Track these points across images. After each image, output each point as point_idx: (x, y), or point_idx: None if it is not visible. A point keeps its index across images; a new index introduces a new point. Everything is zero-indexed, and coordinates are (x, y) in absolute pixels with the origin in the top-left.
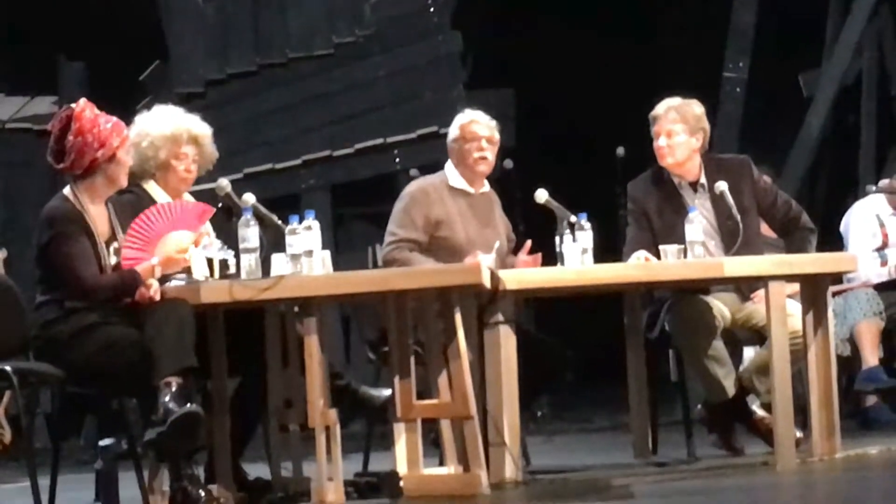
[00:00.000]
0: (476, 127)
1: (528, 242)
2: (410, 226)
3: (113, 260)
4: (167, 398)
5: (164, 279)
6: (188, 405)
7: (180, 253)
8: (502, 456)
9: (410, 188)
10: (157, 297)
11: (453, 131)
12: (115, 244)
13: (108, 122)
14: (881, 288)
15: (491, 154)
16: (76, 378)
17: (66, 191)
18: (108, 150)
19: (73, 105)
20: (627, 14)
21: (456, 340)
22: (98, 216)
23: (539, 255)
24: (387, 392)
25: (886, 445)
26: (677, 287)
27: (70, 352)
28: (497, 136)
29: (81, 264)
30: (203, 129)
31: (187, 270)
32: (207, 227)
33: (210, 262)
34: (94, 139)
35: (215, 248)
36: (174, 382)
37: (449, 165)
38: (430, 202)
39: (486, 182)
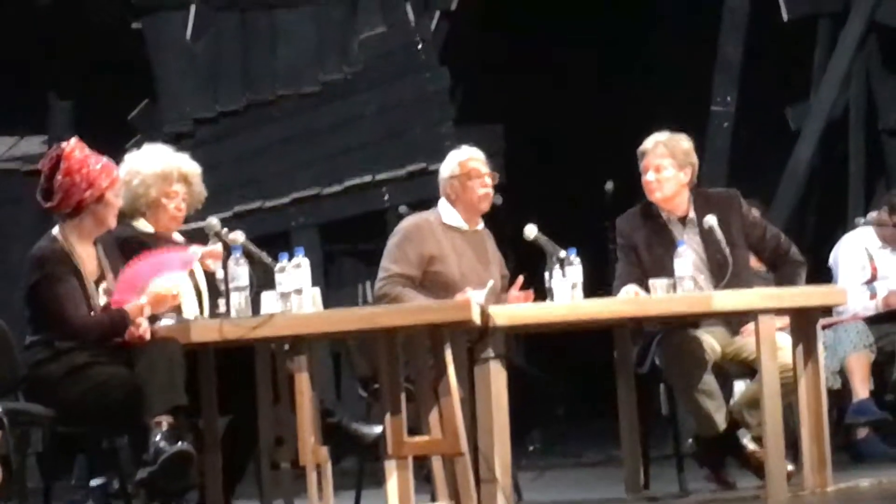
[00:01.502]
0: (477, 164)
1: (521, 278)
2: (403, 261)
3: (102, 300)
4: (158, 437)
5: (153, 318)
6: (179, 444)
7: (168, 292)
8: (494, 492)
9: (404, 224)
10: (147, 336)
11: (451, 168)
12: (105, 283)
13: (97, 162)
14: (871, 321)
15: (492, 191)
16: (67, 418)
17: (55, 231)
18: (96, 190)
19: (63, 144)
20: (615, 49)
21: (446, 377)
22: (86, 256)
23: (531, 292)
24: (378, 429)
25: (878, 478)
26: (667, 321)
27: (60, 392)
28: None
29: (69, 305)
30: (193, 168)
31: (177, 309)
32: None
33: (200, 299)
34: (82, 179)
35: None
36: (164, 422)
37: (443, 202)
38: (424, 238)
39: (480, 219)
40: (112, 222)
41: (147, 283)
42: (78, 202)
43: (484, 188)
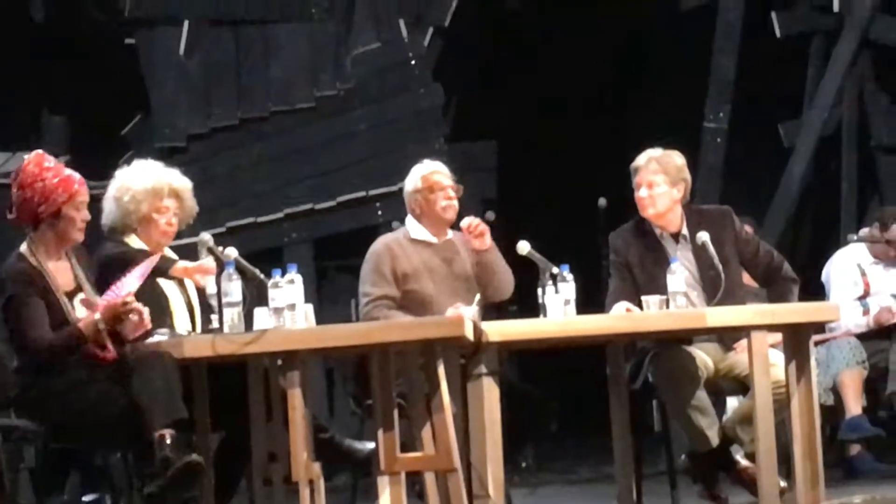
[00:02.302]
0: (439, 177)
1: (469, 222)
2: (382, 282)
3: (81, 311)
4: (165, 450)
5: (145, 335)
6: (191, 455)
7: (119, 302)
8: None
9: (374, 247)
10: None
11: (415, 183)
12: (82, 294)
13: (55, 176)
14: (864, 337)
15: (456, 202)
16: (59, 434)
17: (23, 247)
18: (50, 205)
19: (25, 156)
20: (609, 65)
21: (439, 393)
22: (57, 270)
23: (480, 224)
24: (370, 445)
25: (871, 494)
26: (660, 338)
27: (54, 409)
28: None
29: (29, 328)
30: (184, 183)
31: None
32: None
33: (192, 315)
34: (34, 193)
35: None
36: (168, 435)
37: (409, 219)
38: (395, 256)
39: (448, 230)
40: (75, 236)
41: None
42: (33, 216)
43: (447, 200)
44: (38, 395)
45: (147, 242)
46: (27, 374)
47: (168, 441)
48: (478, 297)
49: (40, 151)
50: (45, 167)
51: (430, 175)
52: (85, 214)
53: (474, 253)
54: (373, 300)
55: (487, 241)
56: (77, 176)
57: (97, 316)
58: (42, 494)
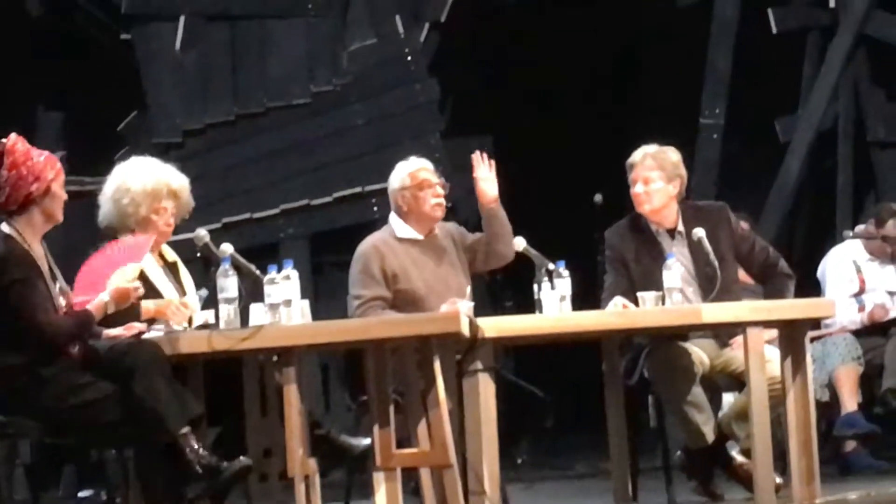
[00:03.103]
0: (427, 174)
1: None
2: (372, 283)
3: (61, 301)
4: (192, 452)
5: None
6: (241, 458)
7: (130, 284)
8: None
9: (361, 248)
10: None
11: (402, 180)
12: (58, 283)
13: (40, 155)
14: (859, 333)
15: (443, 200)
16: (55, 430)
17: (6, 229)
18: (42, 183)
19: (3, 140)
20: (605, 61)
21: (435, 389)
22: (39, 255)
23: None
24: (366, 441)
25: (866, 491)
26: (656, 334)
27: (49, 405)
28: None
29: (40, 312)
30: (181, 182)
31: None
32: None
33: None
34: (27, 172)
35: (197, 306)
36: (189, 434)
37: (393, 216)
38: (383, 256)
39: (434, 227)
40: (59, 216)
41: (105, 279)
42: (25, 196)
43: (436, 198)
44: (32, 390)
45: (155, 244)
46: (21, 369)
47: (192, 442)
48: (468, 289)
49: (15, 133)
50: (28, 147)
51: (417, 172)
52: (65, 195)
53: (482, 206)
54: (364, 302)
55: (495, 189)
56: (53, 155)
57: (106, 297)
58: (37, 490)
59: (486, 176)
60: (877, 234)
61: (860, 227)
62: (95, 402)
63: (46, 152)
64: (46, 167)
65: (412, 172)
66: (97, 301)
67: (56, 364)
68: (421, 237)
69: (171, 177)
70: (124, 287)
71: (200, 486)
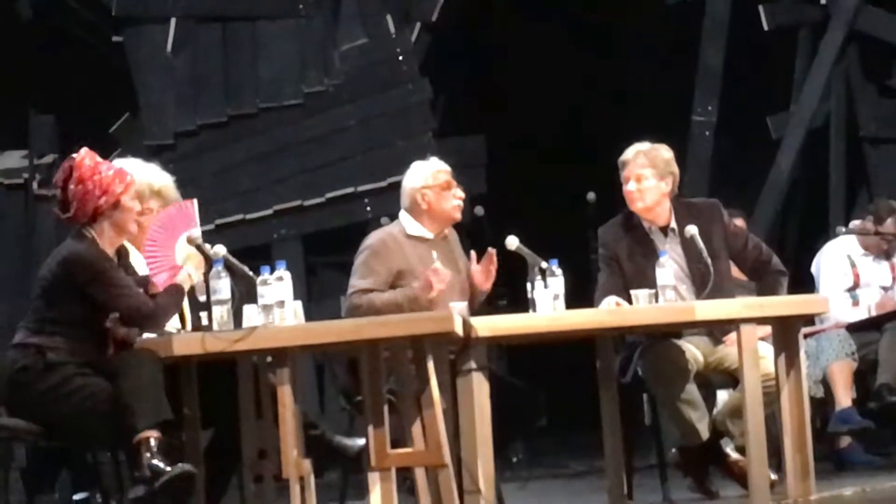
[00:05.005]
0: (446, 176)
1: (474, 255)
2: (371, 276)
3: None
4: (151, 455)
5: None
6: (181, 464)
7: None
8: (477, 503)
9: (369, 240)
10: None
11: (423, 179)
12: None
13: (109, 168)
14: (853, 329)
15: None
16: (52, 433)
17: (88, 237)
18: (110, 196)
19: (74, 155)
20: (597, 60)
21: (429, 388)
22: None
23: (490, 260)
24: (361, 441)
25: (861, 486)
26: (649, 331)
27: (44, 407)
28: None
29: (135, 295)
30: (164, 181)
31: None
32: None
33: (181, 312)
34: (94, 186)
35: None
36: (153, 437)
37: (404, 214)
38: (391, 252)
39: (447, 227)
40: (132, 228)
41: (171, 249)
42: (94, 210)
43: (457, 199)
44: (28, 393)
45: (133, 243)
46: (23, 359)
47: (152, 444)
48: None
49: (86, 148)
50: (98, 161)
51: (439, 173)
52: (138, 205)
53: (474, 287)
54: (356, 292)
55: (490, 283)
56: (127, 168)
57: (190, 268)
58: (32, 493)
59: (488, 271)
60: (872, 230)
61: (854, 223)
62: (88, 402)
63: (118, 166)
64: (115, 180)
65: (434, 172)
66: (182, 275)
67: (53, 369)
68: (431, 236)
69: (152, 176)
70: (196, 256)
71: (140, 488)
